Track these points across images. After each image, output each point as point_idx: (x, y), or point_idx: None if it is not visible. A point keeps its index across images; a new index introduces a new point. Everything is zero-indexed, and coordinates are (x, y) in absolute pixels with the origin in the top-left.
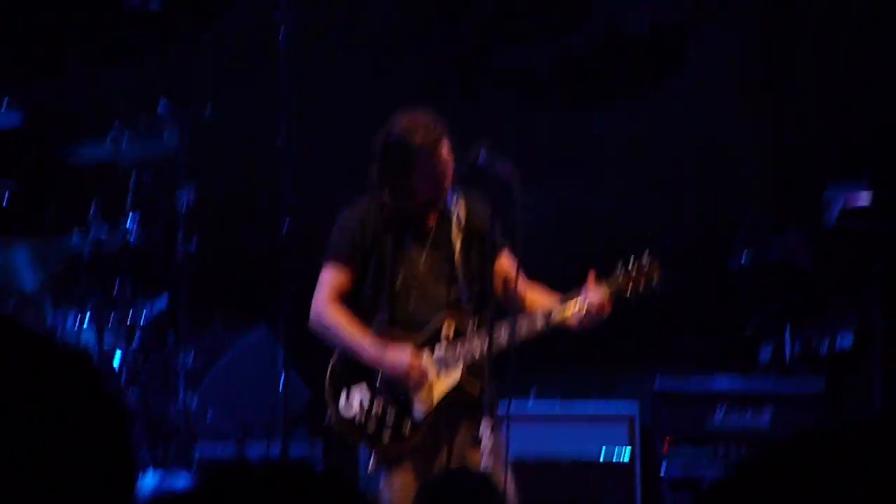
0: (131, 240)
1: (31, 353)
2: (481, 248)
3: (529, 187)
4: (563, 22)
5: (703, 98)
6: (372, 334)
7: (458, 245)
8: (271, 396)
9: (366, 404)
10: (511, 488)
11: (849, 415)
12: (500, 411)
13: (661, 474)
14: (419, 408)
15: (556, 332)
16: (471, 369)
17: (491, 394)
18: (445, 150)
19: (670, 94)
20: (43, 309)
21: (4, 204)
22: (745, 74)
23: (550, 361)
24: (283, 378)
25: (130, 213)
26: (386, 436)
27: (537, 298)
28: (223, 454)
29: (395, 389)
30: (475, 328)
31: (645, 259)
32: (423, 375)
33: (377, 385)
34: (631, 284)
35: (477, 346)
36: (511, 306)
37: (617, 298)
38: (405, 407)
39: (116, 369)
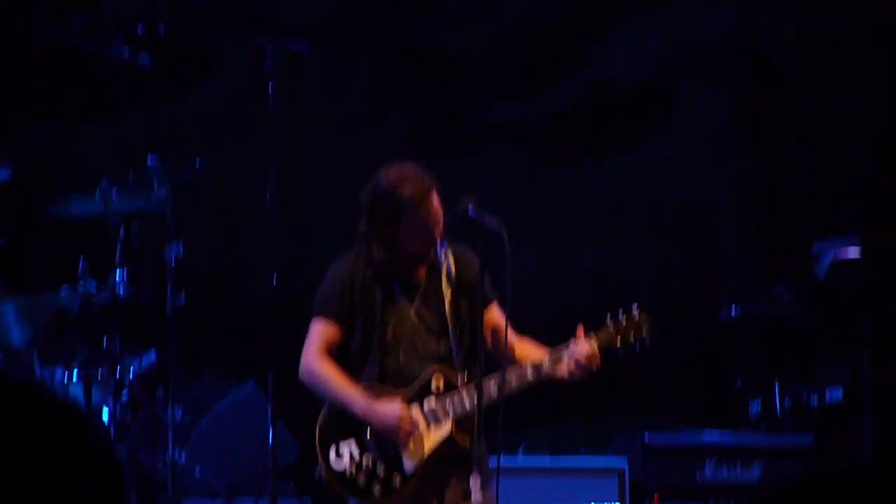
0: (120, 294)
1: (25, 405)
2: (471, 301)
3: (517, 241)
4: (551, 77)
5: (690, 152)
6: (361, 388)
7: (447, 298)
8: (260, 451)
9: (356, 458)
10: None
11: (839, 469)
12: (490, 465)
13: None
14: (409, 461)
15: (545, 387)
16: (460, 422)
17: (481, 447)
18: (435, 201)
19: (658, 148)
20: (31, 365)
21: None
22: (732, 129)
23: (539, 416)
24: (271, 433)
25: (119, 268)
26: (376, 490)
27: (527, 351)
28: None
29: (385, 443)
30: (465, 381)
31: (634, 312)
32: (413, 428)
33: (367, 439)
34: (620, 337)
35: (467, 399)
36: (501, 359)
37: (606, 352)
38: (395, 461)
39: (105, 424)
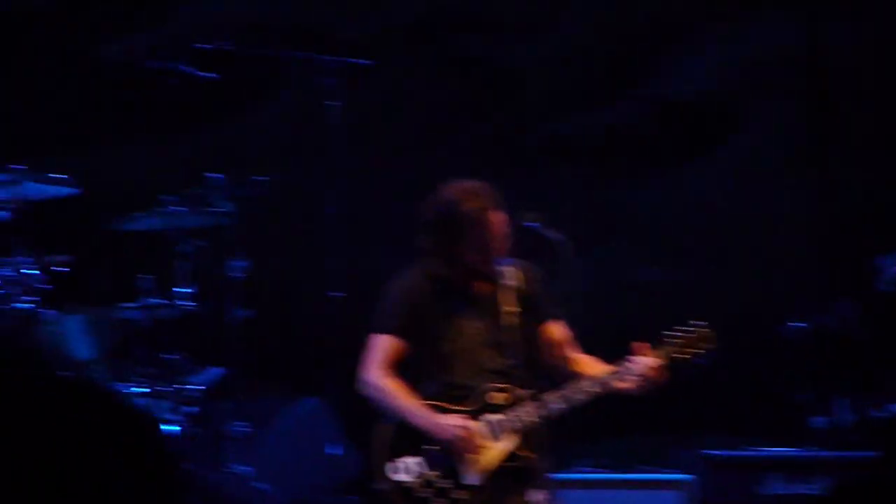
0: (185, 310)
1: (107, 412)
2: (533, 316)
3: (579, 256)
4: (613, 92)
5: (751, 166)
6: (422, 402)
7: (510, 312)
8: (323, 466)
9: (418, 472)
10: None
11: None
12: (552, 479)
13: None
14: (471, 475)
15: (607, 402)
16: (523, 437)
17: (543, 462)
18: (496, 218)
19: (719, 162)
20: (98, 379)
21: (60, 274)
22: (793, 143)
23: (601, 431)
24: (334, 447)
25: (184, 284)
26: (438, 503)
27: (588, 367)
28: None
29: (447, 457)
30: (527, 396)
31: (696, 327)
32: (475, 442)
33: (428, 452)
34: (682, 352)
35: (528, 413)
36: (561, 375)
37: (669, 367)
38: (457, 474)
39: (170, 438)
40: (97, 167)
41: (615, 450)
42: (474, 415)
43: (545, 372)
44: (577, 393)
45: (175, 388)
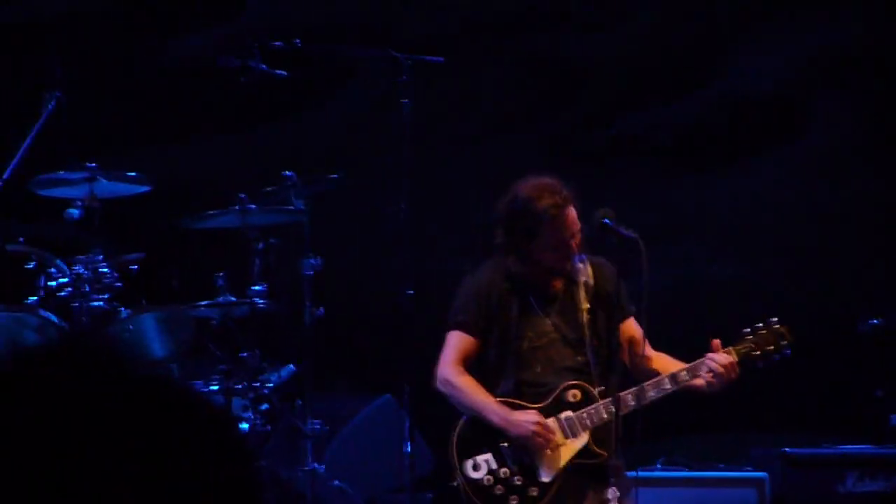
0: (258, 307)
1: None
2: (608, 313)
3: (653, 253)
4: (682, 88)
5: (821, 161)
6: (497, 398)
7: (584, 310)
8: (397, 463)
9: (493, 469)
10: None
11: None
12: (627, 477)
13: None
14: (546, 472)
15: (684, 400)
16: (597, 434)
17: (618, 459)
18: (571, 215)
19: (789, 157)
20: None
21: (133, 272)
22: (864, 138)
23: (677, 429)
24: (408, 445)
25: (257, 281)
26: (513, 501)
27: (664, 364)
28: None
29: (522, 453)
30: (601, 393)
31: (773, 324)
32: (550, 439)
33: (504, 449)
34: (760, 349)
35: (604, 410)
36: (637, 373)
37: (746, 364)
38: (532, 471)
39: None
40: (170, 165)
41: (693, 448)
42: (549, 412)
43: (620, 369)
44: (652, 390)
45: (248, 385)
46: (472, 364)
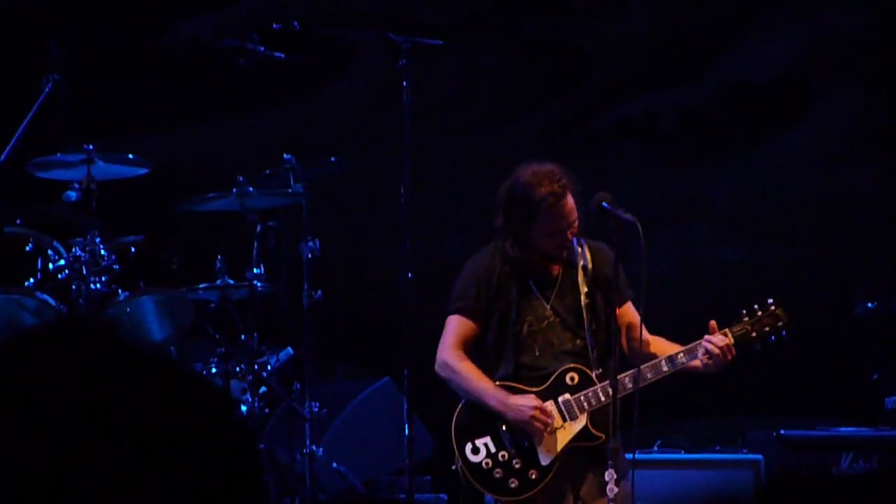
0: (257, 290)
1: (185, 388)
2: (607, 297)
3: (651, 238)
4: (685, 74)
5: (825, 148)
6: (496, 382)
7: (583, 294)
8: (396, 446)
9: (492, 452)
10: None
11: None
12: (625, 459)
13: None
14: (545, 455)
15: (680, 384)
16: (595, 417)
17: (616, 441)
18: (569, 203)
19: (793, 144)
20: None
21: (131, 254)
22: (867, 125)
23: (674, 413)
24: (407, 428)
25: (255, 264)
26: (513, 484)
27: (661, 348)
28: None
29: (521, 437)
30: (600, 376)
31: (770, 306)
32: (548, 422)
33: (502, 433)
34: (756, 331)
35: (601, 393)
36: (634, 357)
37: (742, 347)
38: (531, 454)
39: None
40: (169, 147)
41: (690, 430)
42: (547, 395)
43: (618, 353)
44: (649, 372)
45: (247, 368)
46: (471, 348)
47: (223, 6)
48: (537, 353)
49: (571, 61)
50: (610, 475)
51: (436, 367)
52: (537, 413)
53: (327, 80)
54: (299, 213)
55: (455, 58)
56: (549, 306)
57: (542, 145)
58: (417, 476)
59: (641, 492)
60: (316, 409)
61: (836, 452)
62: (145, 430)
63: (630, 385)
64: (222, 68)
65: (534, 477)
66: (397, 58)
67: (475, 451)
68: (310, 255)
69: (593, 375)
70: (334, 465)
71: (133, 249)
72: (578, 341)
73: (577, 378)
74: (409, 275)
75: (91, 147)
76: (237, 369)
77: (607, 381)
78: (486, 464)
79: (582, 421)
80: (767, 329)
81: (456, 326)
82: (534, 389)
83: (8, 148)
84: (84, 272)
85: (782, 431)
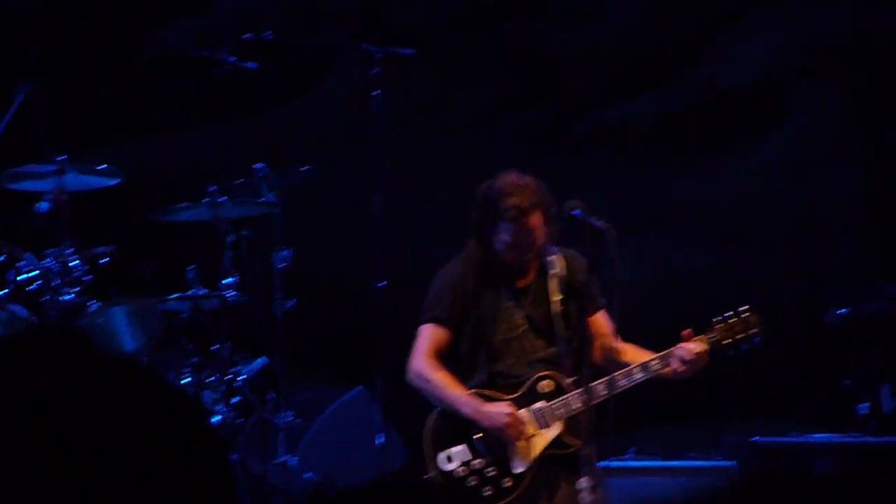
0: (229, 300)
1: (156, 397)
2: (580, 304)
3: (626, 243)
4: (661, 78)
5: (800, 153)
6: (470, 390)
7: (556, 301)
8: (370, 455)
9: (466, 461)
10: None
11: None
12: (599, 466)
13: None
14: (519, 463)
15: (654, 391)
16: (570, 424)
17: (590, 449)
18: (533, 221)
19: (768, 149)
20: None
21: (103, 265)
22: (843, 129)
23: (648, 420)
24: (381, 436)
25: (228, 274)
26: (487, 492)
27: (632, 355)
28: None
29: (495, 445)
30: (574, 383)
31: (743, 312)
32: (522, 430)
33: (476, 441)
34: (729, 337)
35: (576, 401)
36: (606, 364)
37: (715, 353)
38: (505, 462)
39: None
40: (141, 157)
41: (663, 437)
42: (521, 403)
43: (591, 360)
44: (623, 379)
45: (220, 378)
46: (444, 357)
47: (196, 16)
48: (511, 361)
49: (548, 67)
50: (585, 483)
51: (409, 376)
52: (511, 421)
53: (300, 89)
54: (272, 223)
55: (433, 63)
56: (522, 314)
57: (519, 151)
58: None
59: (616, 499)
60: (289, 419)
61: (808, 459)
62: (117, 437)
63: (604, 392)
64: (195, 78)
65: (508, 485)
66: (371, 67)
67: (450, 459)
68: (282, 265)
69: (567, 383)
70: (308, 474)
71: (105, 260)
72: (552, 349)
73: (551, 385)
74: (383, 283)
75: (63, 158)
76: (210, 379)
77: (581, 389)
78: (461, 472)
79: (556, 428)
80: (740, 336)
81: (429, 335)
82: (508, 397)
83: None
84: (56, 283)
85: (755, 438)
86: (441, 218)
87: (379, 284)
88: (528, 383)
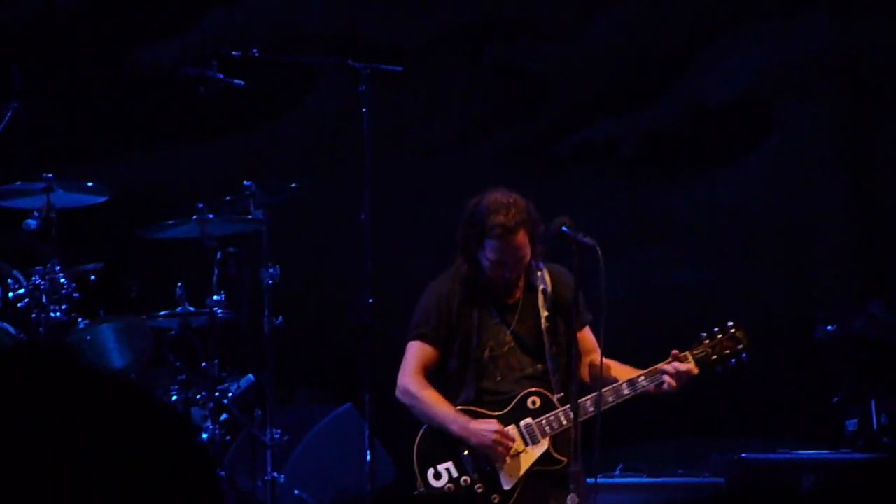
0: (217, 317)
1: (145, 414)
2: (567, 321)
3: (613, 260)
4: (646, 97)
5: (786, 170)
6: (458, 407)
7: (543, 318)
8: (358, 472)
9: (454, 477)
10: None
11: None
12: (587, 483)
13: None
14: (507, 479)
15: (642, 407)
16: (557, 441)
17: (578, 465)
18: (518, 240)
19: (753, 166)
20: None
21: (93, 283)
22: (828, 147)
23: (636, 436)
24: (368, 454)
25: (216, 291)
26: None
27: (618, 372)
28: None
29: (482, 461)
30: (561, 400)
31: (730, 328)
32: (510, 446)
33: (464, 457)
34: (716, 354)
35: (563, 417)
36: (592, 381)
37: (703, 370)
38: (493, 479)
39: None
40: (129, 175)
41: (651, 454)
42: (509, 420)
43: (578, 376)
44: (610, 395)
45: (208, 395)
46: (432, 374)
47: (183, 33)
48: (499, 378)
49: (533, 85)
50: (573, 500)
51: (397, 393)
52: (499, 437)
53: (287, 106)
54: (260, 240)
55: (418, 82)
56: (509, 331)
57: (504, 169)
58: (379, 502)
59: None
60: (277, 436)
61: (797, 476)
62: (106, 453)
63: (591, 409)
64: (182, 96)
65: (496, 501)
66: (357, 84)
67: (437, 476)
68: (270, 282)
69: (555, 399)
70: (296, 491)
71: (93, 277)
72: (539, 365)
73: (538, 402)
74: (371, 300)
75: (51, 175)
76: (198, 396)
77: (568, 405)
78: (449, 488)
79: (544, 445)
80: (728, 352)
81: (416, 352)
82: (495, 414)
83: None
84: (44, 300)
85: (744, 455)
86: (428, 234)
87: (366, 301)
88: (516, 400)
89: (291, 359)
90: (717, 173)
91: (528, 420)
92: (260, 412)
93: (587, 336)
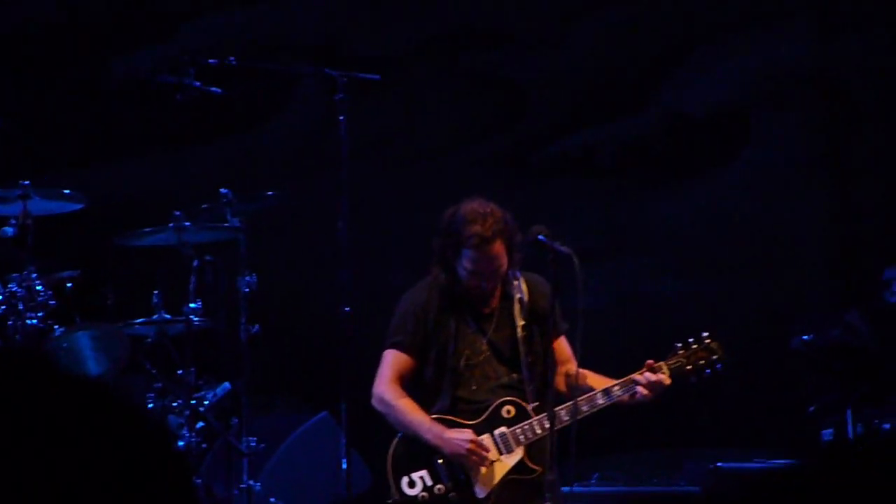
0: (194, 325)
1: (123, 420)
2: (543, 330)
3: (590, 270)
4: (625, 107)
5: (762, 179)
6: (433, 416)
7: (520, 326)
8: (334, 480)
9: (428, 486)
10: None
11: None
12: (562, 492)
13: None
14: (481, 488)
15: (617, 417)
16: (532, 450)
17: (552, 475)
18: (494, 250)
19: (731, 177)
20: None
21: (69, 290)
22: (805, 158)
23: (611, 446)
24: (344, 462)
25: (193, 299)
26: None
27: (592, 381)
28: None
29: (457, 470)
30: (536, 409)
31: (705, 339)
32: (484, 455)
33: (439, 466)
34: (691, 364)
35: (538, 426)
36: (567, 390)
37: (678, 380)
38: (467, 487)
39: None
40: (105, 182)
41: (626, 463)
42: (483, 429)
43: (553, 385)
44: (585, 405)
45: (184, 403)
46: (408, 383)
47: (160, 41)
48: (474, 387)
49: (511, 95)
50: None
51: (372, 401)
52: (473, 447)
53: (265, 114)
54: (237, 248)
55: (396, 91)
56: (486, 340)
57: (482, 178)
58: None
59: None
60: (254, 444)
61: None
62: (83, 459)
63: (566, 418)
64: (159, 103)
65: None
66: (334, 92)
67: (411, 484)
68: (247, 290)
69: (529, 409)
70: (272, 500)
71: (69, 284)
72: (515, 374)
73: (513, 411)
74: (348, 308)
75: (27, 182)
76: (174, 404)
77: (543, 414)
78: (423, 497)
79: (518, 454)
80: (702, 363)
81: (392, 361)
82: (470, 423)
83: None
84: (20, 307)
85: (719, 464)
86: (405, 244)
87: (343, 309)
88: (491, 409)
89: (268, 367)
90: (694, 183)
91: (503, 429)
92: (236, 420)
93: (563, 345)
